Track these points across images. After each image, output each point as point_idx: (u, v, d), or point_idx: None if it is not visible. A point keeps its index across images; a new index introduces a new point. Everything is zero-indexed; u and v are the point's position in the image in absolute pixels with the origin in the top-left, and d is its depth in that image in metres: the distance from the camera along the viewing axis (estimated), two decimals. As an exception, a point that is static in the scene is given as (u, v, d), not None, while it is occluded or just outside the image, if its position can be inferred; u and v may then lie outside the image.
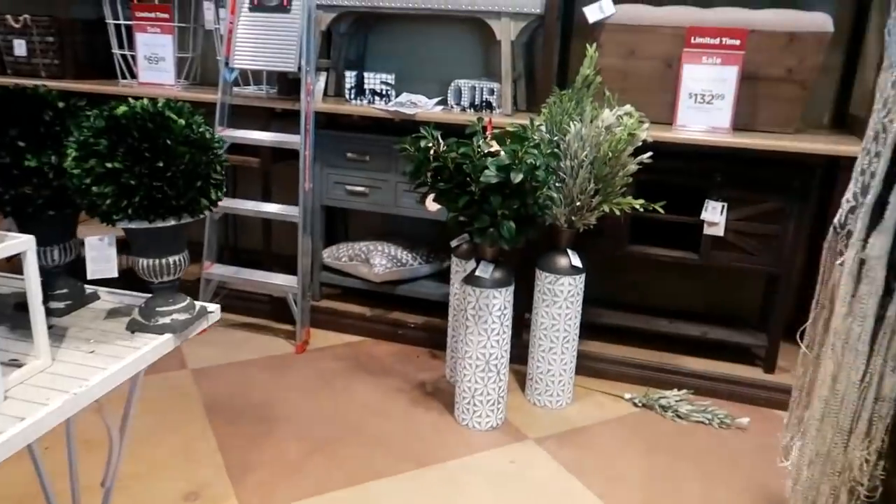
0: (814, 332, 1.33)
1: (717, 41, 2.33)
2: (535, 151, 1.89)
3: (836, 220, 1.25)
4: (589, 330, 2.55)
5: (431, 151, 2.07)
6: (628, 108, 2.14)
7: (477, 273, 2.11)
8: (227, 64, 2.64)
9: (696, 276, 2.95)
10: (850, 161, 2.36)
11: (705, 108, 2.38)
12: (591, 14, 2.45)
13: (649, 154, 2.14)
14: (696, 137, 2.30)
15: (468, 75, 2.93)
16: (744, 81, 2.34)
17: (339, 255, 2.95)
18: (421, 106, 2.67)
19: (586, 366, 2.53)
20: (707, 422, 2.32)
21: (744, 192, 2.39)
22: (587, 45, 2.20)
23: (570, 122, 2.15)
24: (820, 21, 2.29)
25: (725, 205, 2.39)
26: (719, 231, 2.41)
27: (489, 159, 1.96)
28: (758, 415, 2.38)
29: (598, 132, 2.10)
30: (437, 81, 3.06)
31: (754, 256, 2.43)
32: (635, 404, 2.42)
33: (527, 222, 2.02)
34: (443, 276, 2.97)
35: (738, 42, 2.32)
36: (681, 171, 2.40)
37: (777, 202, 2.36)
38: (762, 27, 2.32)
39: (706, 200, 2.41)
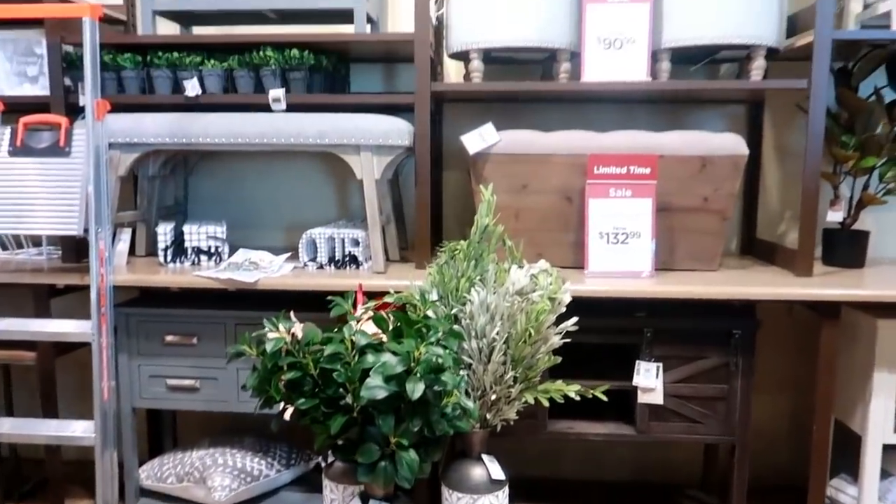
0: None
1: (624, 170, 1.95)
2: (439, 350, 1.30)
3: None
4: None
5: (283, 352, 1.42)
6: (543, 263, 1.65)
7: (365, 523, 1.44)
8: (-25, 230, 1.86)
9: (626, 442, 2.47)
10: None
11: (620, 249, 1.96)
12: (471, 143, 2.00)
13: (574, 320, 1.65)
14: (616, 289, 1.84)
15: (321, 218, 2.36)
16: (657, 214, 1.96)
17: (164, 473, 2.12)
18: (264, 267, 2.03)
19: (514, 592, 1.89)
20: None
21: (679, 347, 1.95)
22: (481, 187, 1.70)
23: (472, 288, 1.61)
24: (732, 143, 1.99)
25: (660, 365, 1.94)
26: (657, 398, 1.94)
27: (370, 357, 1.35)
28: None
29: (509, 301, 1.57)
30: (283, 228, 2.46)
31: (701, 424, 1.97)
32: None
33: (433, 444, 1.40)
34: (312, 483, 2.23)
35: (648, 170, 1.95)
36: (602, 330, 1.93)
37: (719, 357, 1.95)
38: (672, 152, 1.97)
39: (637, 362, 1.94)
